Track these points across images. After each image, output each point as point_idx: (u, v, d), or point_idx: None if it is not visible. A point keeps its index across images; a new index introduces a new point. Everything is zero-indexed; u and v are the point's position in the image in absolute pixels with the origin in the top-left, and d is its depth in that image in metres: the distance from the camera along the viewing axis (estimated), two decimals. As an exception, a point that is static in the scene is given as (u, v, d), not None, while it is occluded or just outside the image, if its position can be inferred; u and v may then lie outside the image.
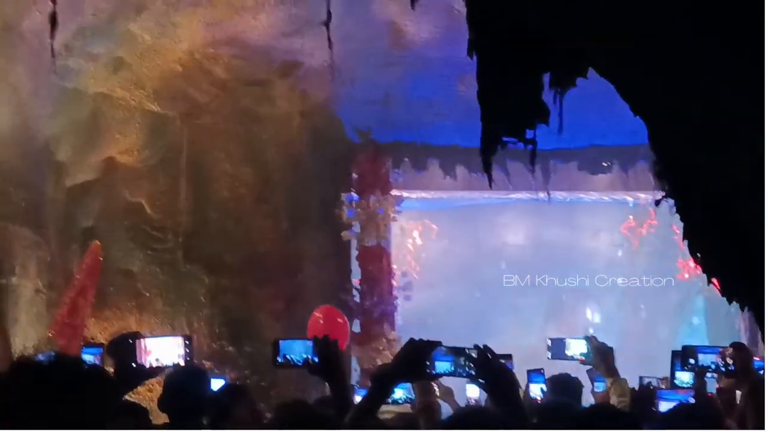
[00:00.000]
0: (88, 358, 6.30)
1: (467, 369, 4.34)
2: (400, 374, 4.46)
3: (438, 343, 4.34)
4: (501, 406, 4.28)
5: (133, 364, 4.84)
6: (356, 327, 15.31)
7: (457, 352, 4.38)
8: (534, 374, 7.61)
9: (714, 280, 4.63)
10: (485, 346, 4.39)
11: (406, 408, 6.76)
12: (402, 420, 6.46)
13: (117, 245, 13.85)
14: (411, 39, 13.62)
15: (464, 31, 4.39)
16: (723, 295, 4.67)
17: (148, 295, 13.91)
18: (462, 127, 14.72)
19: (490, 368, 4.28)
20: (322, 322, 13.14)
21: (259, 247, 14.26)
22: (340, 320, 13.45)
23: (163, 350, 4.98)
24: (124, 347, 4.89)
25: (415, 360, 4.25)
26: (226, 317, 13.65)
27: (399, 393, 6.33)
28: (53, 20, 4.89)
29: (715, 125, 3.96)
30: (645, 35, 3.95)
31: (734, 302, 4.70)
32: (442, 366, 4.38)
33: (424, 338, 4.35)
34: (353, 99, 14.95)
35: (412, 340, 4.40)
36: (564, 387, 7.38)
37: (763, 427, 3.92)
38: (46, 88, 12.51)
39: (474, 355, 4.31)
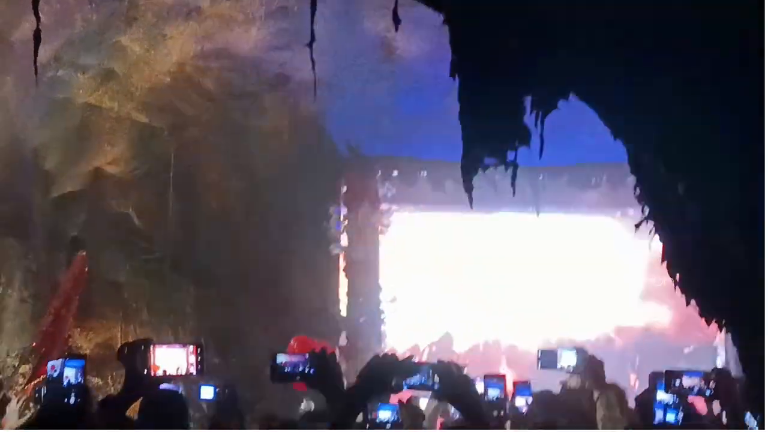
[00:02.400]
0: (69, 372, 6.26)
1: (433, 382, 4.35)
2: (366, 391, 4.45)
3: (401, 359, 4.34)
4: (466, 418, 4.33)
5: (146, 371, 4.82)
6: (343, 340, 15.30)
7: (421, 366, 4.39)
8: (520, 387, 7.63)
9: (693, 301, 4.66)
10: (450, 361, 4.42)
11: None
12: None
13: (104, 255, 13.80)
14: (401, 54, 13.65)
15: (453, 48, 4.42)
16: (702, 316, 4.70)
17: (134, 305, 13.88)
18: (451, 142, 14.79)
19: (453, 381, 4.29)
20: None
21: (246, 259, 14.23)
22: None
23: (176, 358, 4.94)
24: (137, 354, 4.86)
25: (379, 376, 4.25)
26: (212, 328, 13.62)
27: (386, 415, 6.32)
28: (37, 38, 4.88)
29: (695, 151, 3.99)
30: (625, 62, 3.99)
31: (713, 323, 4.74)
32: (408, 380, 4.38)
33: (407, 353, 4.37)
34: (343, 113, 14.96)
35: (376, 357, 4.41)
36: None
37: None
38: (34, 98, 12.50)
39: (439, 368, 4.33)
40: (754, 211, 3.89)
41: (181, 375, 5.00)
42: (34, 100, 12.52)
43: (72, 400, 5.85)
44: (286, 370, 4.66)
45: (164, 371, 4.86)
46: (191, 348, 5.05)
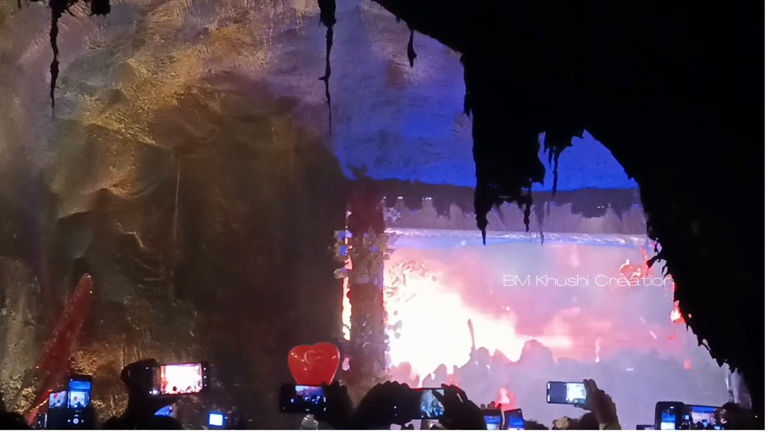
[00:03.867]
0: (76, 393, 6.24)
1: (437, 410, 4.30)
2: (369, 420, 4.41)
3: (404, 387, 4.30)
4: None
5: (151, 392, 4.81)
6: (346, 365, 15.24)
7: (425, 392, 4.34)
8: (512, 417, 7.62)
9: (705, 342, 4.62)
10: (454, 386, 4.37)
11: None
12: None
13: (108, 278, 13.79)
14: (407, 79, 13.65)
15: (461, 72, 4.39)
16: (714, 357, 4.66)
17: (137, 328, 13.84)
18: (456, 167, 14.78)
19: (458, 409, 4.25)
20: (302, 360, 13.27)
21: (251, 283, 14.20)
22: (319, 357, 13.54)
23: (181, 377, 4.96)
24: (141, 375, 4.85)
25: (383, 405, 4.21)
26: (215, 352, 13.57)
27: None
28: (54, 70, 4.88)
29: (709, 192, 3.97)
30: (640, 100, 3.97)
31: (725, 363, 4.70)
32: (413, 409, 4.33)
33: (410, 380, 4.33)
34: (349, 136, 14.96)
35: (378, 385, 4.38)
36: None
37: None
38: (41, 119, 12.52)
39: (444, 395, 4.29)
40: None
41: (189, 393, 5.02)
42: (41, 121, 12.54)
43: (76, 421, 5.83)
44: (297, 401, 4.60)
45: (174, 387, 4.87)
46: (198, 367, 5.10)
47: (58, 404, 7.47)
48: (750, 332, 4.23)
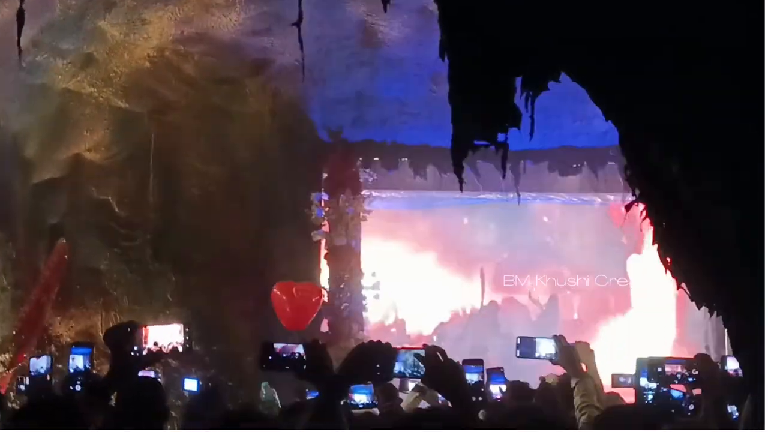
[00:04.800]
0: (78, 359, 6.19)
1: (418, 370, 4.31)
2: (351, 379, 4.41)
3: (387, 346, 4.30)
4: (454, 405, 4.29)
5: (132, 353, 4.83)
6: (325, 326, 15.27)
7: (406, 352, 4.34)
8: (494, 375, 7.64)
9: (683, 285, 4.62)
10: (434, 346, 4.37)
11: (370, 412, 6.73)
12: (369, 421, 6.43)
13: (84, 243, 13.72)
14: (383, 39, 13.58)
15: (437, 31, 4.34)
16: (692, 300, 4.67)
17: (114, 293, 13.79)
18: (433, 127, 14.74)
19: (439, 368, 4.25)
20: (284, 298, 13.37)
21: (228, 246, 14.16)
22: (302, 295, 13.72)
23: (163, 335, 4.98)
24: (122, 335, 4.87)
25: (365, 363, 4.21)
26: (193, 316, 13.52)
27: (362, 398, 6.30)
28: (20, 17, 4.81)
29: (688, 132, 3.95)
30: (619, 40, 3.94)
31: (703, 306, 4.70)
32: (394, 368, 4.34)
33: (390, 340, 4.32)
34: (324, 98, 14.91)
35: (362, 344, 4.38)
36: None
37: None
38: (13, 84, 12.39)
39: (423, 355, 4.28)
40: (747, 192, 3.86)
41: (170, 352, 5.03)
42: (13, 86, 12.41)
43: (78, 387, 5.82)
44: (276, 358, 4.57)
45: (155, 342, 4.88)
46: (180, 327, 5.13)
47: (42, 370, 7.44)
48: (726, 274, 4.25)
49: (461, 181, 4.41)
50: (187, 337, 5.07)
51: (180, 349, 5.03)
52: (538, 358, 6.56)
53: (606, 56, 3.91)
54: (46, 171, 13.55)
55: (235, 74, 14.06)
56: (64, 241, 13.13)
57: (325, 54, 13.63)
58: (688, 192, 4.19)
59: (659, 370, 6.20)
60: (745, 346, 4.39)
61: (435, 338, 21.69)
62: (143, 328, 4.93)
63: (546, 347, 6.53)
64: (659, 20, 3.75)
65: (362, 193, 16.05)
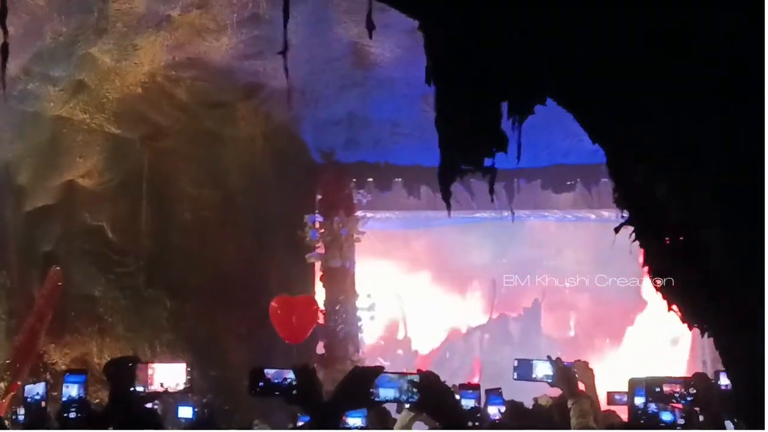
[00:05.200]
0: (71, 387, 6.16)
1: (411, 395, 4.30)
2: (344, 403, 4.40)
3: (381, 370, 4.29)
4: (445, 428, 4.29)
5: (135, 388, 4.81)
6: (321, 349, 15.25)
7: (400, 378, 4.33)
8: (492, 396, 7.63)
9: (674, 307, 4.62)
10: (429, 372, 4.37)
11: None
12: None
13: (78, 270, 13.67)
14: (374, 60, 13.59)
15: (426, 52, 4.37)
16: (684, 322, 4.66)
17: (109, 319, 13.73)
18: (426, 147, 14.73)
19: (433, 394, 4.25)
20: (282, 311, 13.38)
21: (222, 271, 14.11)
22: (300, 309, 13.74)
23: (168, 377, 4.97)
24: (122, 370, 4.85)
25: (359, 388, 4.20)
26: (189, 341, 13.50)
27: (356, 421, 6.28)
28: (4, 51, 4.80)
29: (675, 153, 3.96)
30: (603, 62, 3.95)
31: (695, 328, 4.70)
32: (386, 393, 4.33)
33: (384, 362, 4.32)
34: (317, 120, 14.92)
35: (355, 368, 4.38)
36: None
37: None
38: (5, 112, 12.38)
39: (417, 380, 4.28)
40: (736, 213, 3.87)
41: (176, 390, 5.04)
42: (5, 114, 12.40)
43: (72, 415, 5.79)
44: (267, 384, 4.56)
45: (161, 384, 4.88)
46: (184, 365, 5.14)
47: (37, 397, 7.40)
48: (716, 294, 4.24)
49: (449, 207, 4.43)
50: (189, 376, 5.08)
51: (183, 387, 5.04)
52: (535, 379, 6.57)
53: (590, 80, 3.93)
54: (39, 198, 13.52)
55: (227, 98, 14.06)
56: (58, 268, 13.08)
57: (316, 76, 13.65)
58: (676, 213, 4.19)
59: (657, 390, 6.22)
60: (734, 364, 4.40)
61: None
62: (148, 366, 4.91)
63: (543, 369, 6.55)
64: (642, 43, 3.76)
65: (356, 214, 16.06)
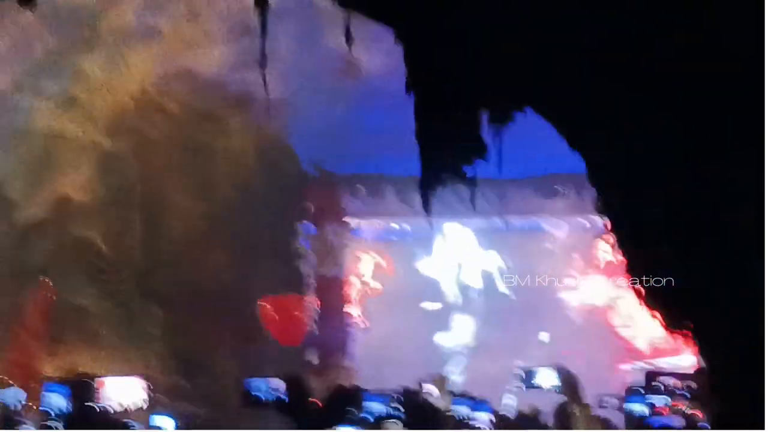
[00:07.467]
0: (55, 398, 6.16)
1: (396, 411, 4.34)
2: (330, 417, 4.44)
3: (363, 390, 4.34)
4: None
5: (96, 407, 4.81)
6: (314, 358, 15.24)
7: (384, 395, 4.37)
8: (481, 404, 7.66)
9: (656, 314, 4.65)
10: (414, 390, 4.41)
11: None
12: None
13: (69, 281, 13.63)
14: (362, 70, 13.61)
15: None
16: (666, 330, 4.69)
17: (101, 330, 13.70)
18: (416, 156, 14.76)
19: (423, 410, 4.29)
20: (274, 312, 13.38)
21: (213, 281, 14.09)
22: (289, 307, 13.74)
23: (124, 394, 4.93)
24: (82, 388, 4.85)
25: (342, 406, 4.24)
26: (180, 352, 13.47)
27: (347, 432, 6.30)
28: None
29: (652, 160, 3.99)
30: (579, 72, 3.98)
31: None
32: (373, 408, 4.36)
33: (380, 369, 4.36)
34: (308, 131, 14.93)
35: (340, 386, 4.42)
36: None
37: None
38: (-4, 127, 12.40)
39: (407, 397, 4.32)
40: (717, 218, 3.90)
41: (136, 411, 5.01)
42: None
43: (51, 423, 5.80)
44: (259, 396, 4.60)
45: (120, 404, 4.85)
46: (142, 381, 5.07)
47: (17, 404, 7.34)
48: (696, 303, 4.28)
49: (429, 216, 4.45)
50: (152, 393, 5.02)
51: (145, 407, 5.00)
52: (540, 388, 6.62)
53: (567, 87, 3.96)
54: (31, 211, 13.50)
55: (218, 111, 14.07)
56: (49, 280, 13.07)
57: (306, 88, 13.66)
58: (658, 219, 4.23)
59: (654, 383, 6.25)
60: (716, 366, 4.43)
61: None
62: (102, 381, 4.84)
63: (549, 377, 6.58)
64: (616, 54, 3.79)
65: (348, 223, 16.07)
